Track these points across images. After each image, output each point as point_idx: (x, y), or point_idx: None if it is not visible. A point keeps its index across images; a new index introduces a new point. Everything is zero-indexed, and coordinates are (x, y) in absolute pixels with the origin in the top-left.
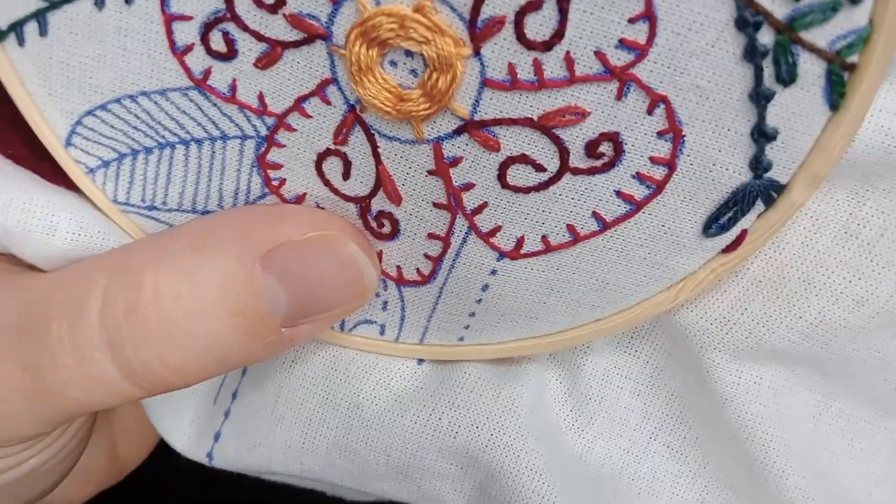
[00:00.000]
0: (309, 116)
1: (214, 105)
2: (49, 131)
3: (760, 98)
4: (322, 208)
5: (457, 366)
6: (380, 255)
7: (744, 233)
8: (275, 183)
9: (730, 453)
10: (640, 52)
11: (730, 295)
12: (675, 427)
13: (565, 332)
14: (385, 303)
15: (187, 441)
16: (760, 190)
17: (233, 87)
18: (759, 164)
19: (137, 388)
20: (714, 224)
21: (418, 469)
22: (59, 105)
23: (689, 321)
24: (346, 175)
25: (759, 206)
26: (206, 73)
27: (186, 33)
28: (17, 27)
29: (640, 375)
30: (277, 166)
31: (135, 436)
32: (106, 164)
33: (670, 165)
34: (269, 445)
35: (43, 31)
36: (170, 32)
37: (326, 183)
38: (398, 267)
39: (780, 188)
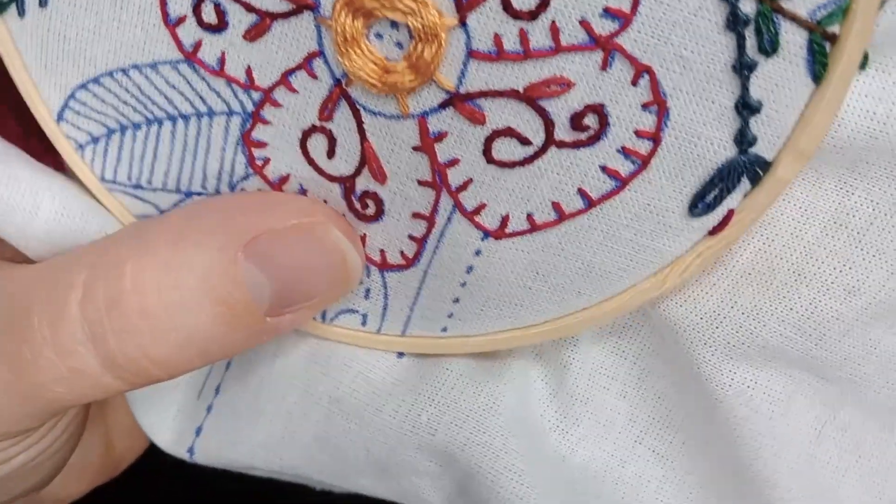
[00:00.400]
0: (295, 91)
1: (203, 79)
2: (42, 105)
3: (743, 68)
4: (306, 191)
5: (438, 361)
6: (363, 239)
7: (730, 213)
8: (259, 163)
9: (717, 459)
10: (625, 20)
11: (719, 288)
12: (661, 431)
13: (551, 322)
14: (368, 290)
15: (170, 437)
16: (746, 166)
17: (221, 60)
18: (743, 139)
19: (121, 381)
20: (700, 202)
21: (397, 465)
22: (53, 78)
23: (677, 316)
24: (330, 153)
25: (745, 184)
26: (197, 45)
27: (180, 5)
28: None
29: (627, 377)
30: (262, 144)
31: (130, 431)
32: (95, 140)
33: (655, 139)
34: (249, 441)
35: (43, 2)
36: (164, 4)
37: (311, 162)
38: (382, 251)
39: (765, 165)
